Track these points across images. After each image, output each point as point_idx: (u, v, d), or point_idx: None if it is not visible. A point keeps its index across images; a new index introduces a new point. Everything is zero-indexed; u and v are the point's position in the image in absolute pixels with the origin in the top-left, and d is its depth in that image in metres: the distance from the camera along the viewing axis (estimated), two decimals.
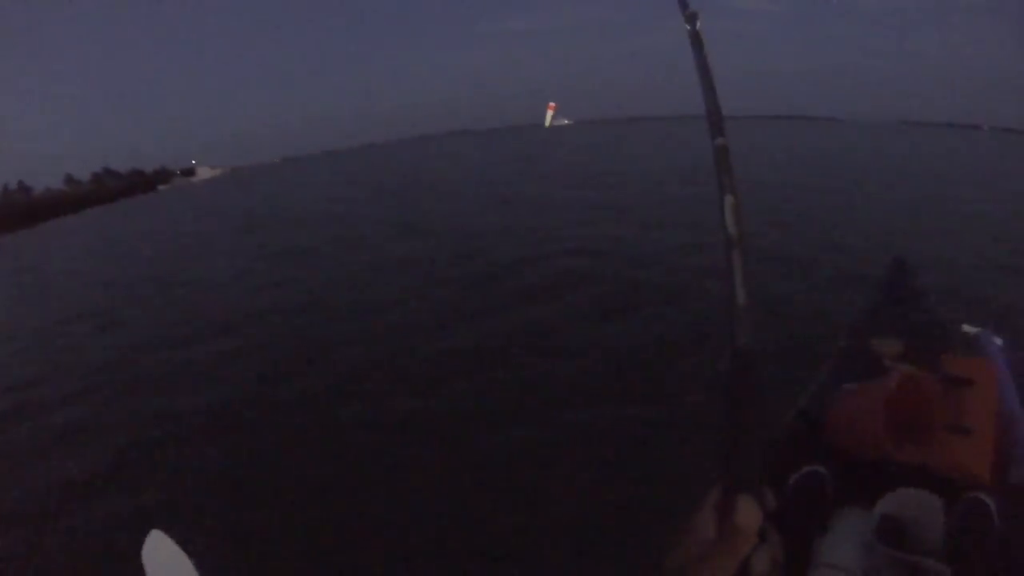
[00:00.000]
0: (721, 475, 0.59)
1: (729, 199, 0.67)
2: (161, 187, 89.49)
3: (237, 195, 43.69)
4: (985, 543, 1.97)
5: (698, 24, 0.96)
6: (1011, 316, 6.93)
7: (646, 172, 26.66)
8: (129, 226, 32.50)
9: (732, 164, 0.70)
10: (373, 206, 23.17)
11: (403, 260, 12.17)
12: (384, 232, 15.89)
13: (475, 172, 34.99)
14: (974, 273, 9.10)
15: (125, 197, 72.98)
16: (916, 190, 18.84)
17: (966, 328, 3.47)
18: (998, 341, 3.23)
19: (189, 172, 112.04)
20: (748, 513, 0.54)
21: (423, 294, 9.34)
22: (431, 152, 76.14)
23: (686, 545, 0.56)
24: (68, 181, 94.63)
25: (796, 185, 19.55)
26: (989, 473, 2.18)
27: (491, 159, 48.58)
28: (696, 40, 0.93)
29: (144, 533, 2.53)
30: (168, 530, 2.56)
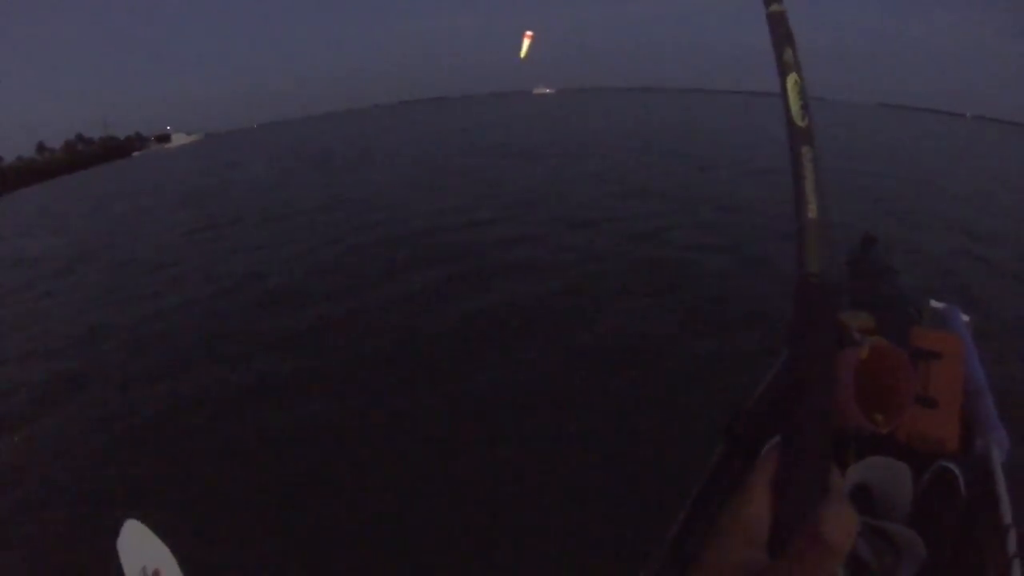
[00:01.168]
0: (781, 447, 0.43)
1: (792, 78, 0.52)
2: (136, 153, 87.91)
3: (201, 162, 42.87)
4: (952, 510, 2.01)
5: None
6: (977, 292, 7.12)
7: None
8: (81, 196, 31.97)
9: (793, 32, 0.55)
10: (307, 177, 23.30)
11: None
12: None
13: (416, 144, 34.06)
14: (942, 251, 9.33)
15: (99, 164, 71.67)
16: (890, 170, 19.12)
17: (934, 303, 3.54)
18: (965, 317, 3.31)
19: (164, 138, 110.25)
20: (842, 521, 0.34)
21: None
22: (403, 118, 75.60)
23: (729, 549, 0.39)
24: (40, 149, 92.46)
25: (765, 161, 19.70)
26: (956, 443, 2.23)
27: (446, 127, 48.23)
28: None
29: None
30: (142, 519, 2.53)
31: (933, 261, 8.62)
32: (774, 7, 0.56)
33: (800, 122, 0.49)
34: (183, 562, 2.36)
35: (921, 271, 7.54)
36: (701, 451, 2.76)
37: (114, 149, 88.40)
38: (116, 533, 2.45)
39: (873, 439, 2.16)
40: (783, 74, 0.52)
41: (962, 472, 2.08)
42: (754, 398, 2.86)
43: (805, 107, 0.50)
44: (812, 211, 0.46)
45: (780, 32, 0.54)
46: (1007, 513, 2.19)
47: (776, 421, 2.46)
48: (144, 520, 2.71)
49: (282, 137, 65.40)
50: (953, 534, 1.95)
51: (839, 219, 10.64)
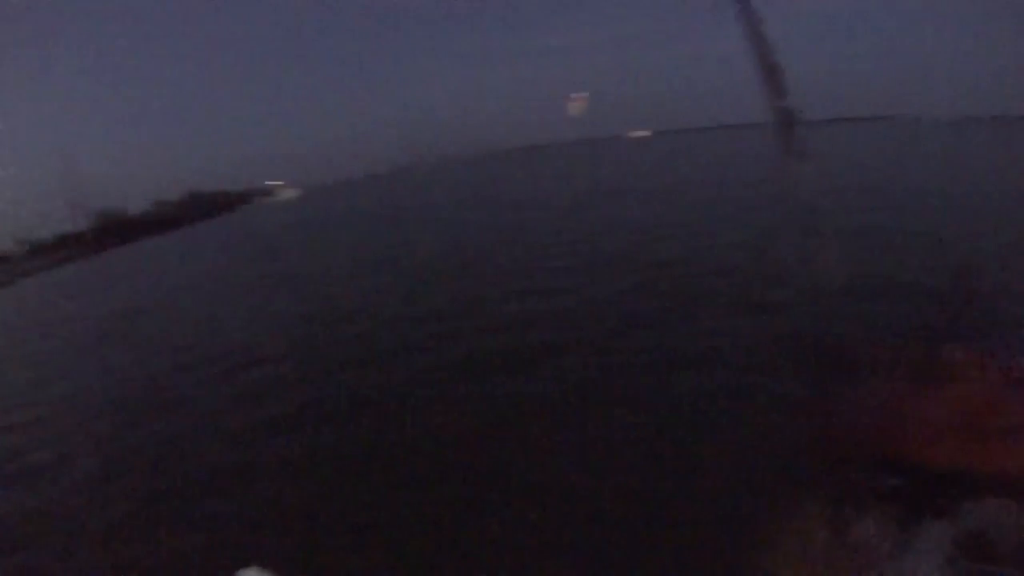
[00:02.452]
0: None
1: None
2: (243, 206, 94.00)
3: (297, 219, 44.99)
4: None
5: None
6: None
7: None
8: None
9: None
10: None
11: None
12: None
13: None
14: None
15: (208, 218, 77.46)
16: (985, 187, 17.81)
17: None
18: None
19: (267, 192, 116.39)
20: None
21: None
22: (501, 168, 76.57)
23: None
24: (157, 204, 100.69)
25: (865, 188, 18.90)
26: None
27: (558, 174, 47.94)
28: None
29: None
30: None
31: None
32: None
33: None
34: None
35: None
36: None
37: (223, 204, 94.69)
38: None
39: (980, 477, 2.10)
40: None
41: None
42: (851, 443, 2.81)
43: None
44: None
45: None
46: None
47: (875, 466, 2.44)
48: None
49: (381, 189, 67.61)
50: None
51: (939, 250, 10.08)
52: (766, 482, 3.69)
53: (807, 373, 5.61)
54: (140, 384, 9.53)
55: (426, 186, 53.89)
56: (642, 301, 9.48)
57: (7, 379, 11.09)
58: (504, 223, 19.20)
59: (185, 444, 6.82)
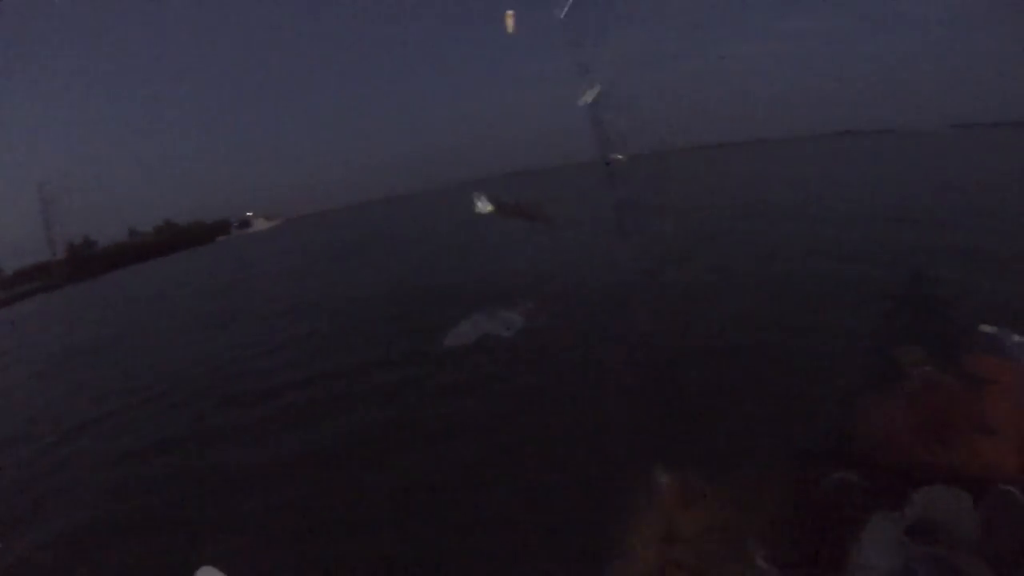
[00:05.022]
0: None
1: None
2: (220, 238, 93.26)
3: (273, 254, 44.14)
4: (1018, 535, 1.99)
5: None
6: None
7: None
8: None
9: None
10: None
11: None
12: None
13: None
14: (994, 273, 8.82)
15: (184, 248, 76.68)
16: (950, 197, 18.15)
17: (985, 328, 3.47)
18: (1017, 338, 3.22)
19: (245, 223, 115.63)
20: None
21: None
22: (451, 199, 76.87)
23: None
24: (131, 233, 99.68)
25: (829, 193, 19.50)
26: (1017, 468, 2.21)
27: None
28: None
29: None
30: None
31: (983, 283, 8.21)
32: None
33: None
34: None
35: (970, 296, 7.25)
36: None
37: (199, 236, 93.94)
38: None
39: (932, 471, 2.17)
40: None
41: None
42: (808, 439, 2.88)
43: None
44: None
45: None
46: None
47: (830, 462, 2.51)
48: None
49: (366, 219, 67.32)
50: (1020, 560, 1.93)
51: (891, 253, 10.36)
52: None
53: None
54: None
55: (416, 215, 53.87)
56: None
57: None
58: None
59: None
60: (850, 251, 11.23)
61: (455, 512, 4.61)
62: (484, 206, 9.41)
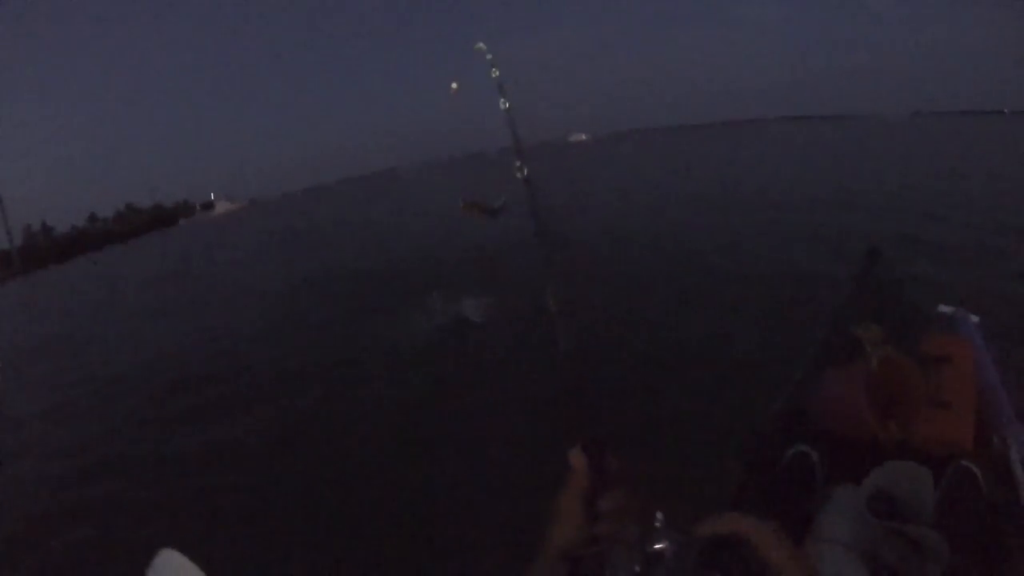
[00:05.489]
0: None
1: None
2: (182, 221, 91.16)
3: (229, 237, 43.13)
4: (975, 510, 2.02)
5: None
6: (985, 295, 6.90)
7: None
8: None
9: None
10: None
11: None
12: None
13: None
14: (955, 255, 9.02)
15: (147, 232, 74.74)
16: (904, 178, 18.43)
17: (942, 308, 3.53)
18: (974, 319, 3.29)
19: (208, 206, 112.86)
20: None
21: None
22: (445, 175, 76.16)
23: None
24: (91, 219, 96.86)
25: (785, 179, 19.84)
26: (972, 443, 2.24)
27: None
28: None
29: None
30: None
31: (944, 265, 8.39)
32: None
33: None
34: None
35: (931, 277, 7.40)
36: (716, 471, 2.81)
37: (162, 219, 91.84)
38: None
39: (890, 446, 2.19)
40: None
41: (982, 471, 2.09)
42: (766, 421, 2.89)
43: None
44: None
45: None
46: None
47: (787, 440, 2.52)
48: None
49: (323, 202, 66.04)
50: (977, 534, 1.95)
51: (854, 234, 10.47)
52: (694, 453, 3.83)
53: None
54: None
55: (385, 195, 52.89)
56: None
57: None
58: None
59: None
60: (808, 234, 11.38)
61: (403, 485, 4.62)
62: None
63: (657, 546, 0.54)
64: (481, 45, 1.37)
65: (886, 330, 2.89)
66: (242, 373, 8.37)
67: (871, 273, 4.49)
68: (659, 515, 0.56)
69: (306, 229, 32.17)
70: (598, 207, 20.05)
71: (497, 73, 1.22)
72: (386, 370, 7.23)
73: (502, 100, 1.16)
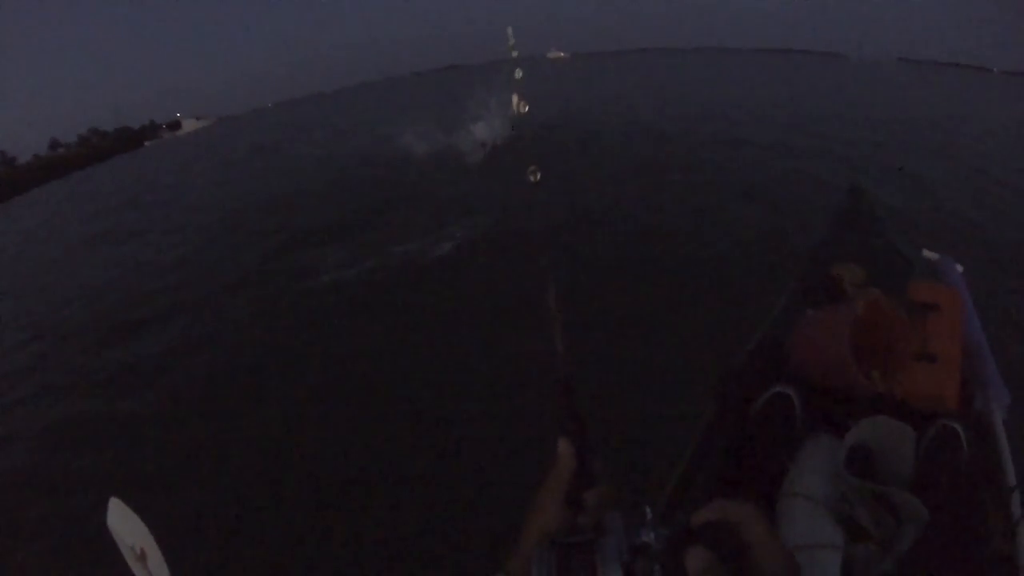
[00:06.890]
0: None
1: None
2: (148, 143, 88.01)
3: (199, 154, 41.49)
4: (955, 471, 1.91)
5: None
6: (972, 243, 6.92)
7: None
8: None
9: None
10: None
11: None
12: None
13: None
14: (937, 200, 9.05)
15: (113, 155, 71.86)
16: (889, 124, 18.56)
17: (927, 253, 3.40)
18: (959, 267, 3.16)
19: (175, 125, 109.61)
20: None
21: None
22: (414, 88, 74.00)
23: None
24: (53, 145, 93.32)
25: (772, 114, 19.90)
26: (957, 400, 2.12)
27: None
28: None
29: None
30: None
31: (926, 209, 8.38)
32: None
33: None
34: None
35: (913, 220, 7.38)
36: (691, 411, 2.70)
37: (127, 140, 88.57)
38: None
39: (871, 396, 2.07)
40: None
41: (964, 430, 1.98)
42: (741, 359, 2.74)
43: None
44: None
45: None
46: (1011, 474, 2.09)
47: (763, 380, 2.36)
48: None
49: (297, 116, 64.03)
50: (957, 497, 1.86)
51: (833, 174, 10.43)
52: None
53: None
54: None
55: (354, 109, 51.34)
56: None
57: None
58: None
59: None
60: (791, 167, 11.29)
61: (354, 443, 4.53)
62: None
63: (644, 539, 0.54)
64: None
65: (869, 272, 2.74)
66: (181, 311, 8.11)
67: (853, 210, 4.34)
68: (647, 509, 0.56)
69: (271, 146, 31.37)
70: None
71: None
72: (325, 316, 7.04)
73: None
